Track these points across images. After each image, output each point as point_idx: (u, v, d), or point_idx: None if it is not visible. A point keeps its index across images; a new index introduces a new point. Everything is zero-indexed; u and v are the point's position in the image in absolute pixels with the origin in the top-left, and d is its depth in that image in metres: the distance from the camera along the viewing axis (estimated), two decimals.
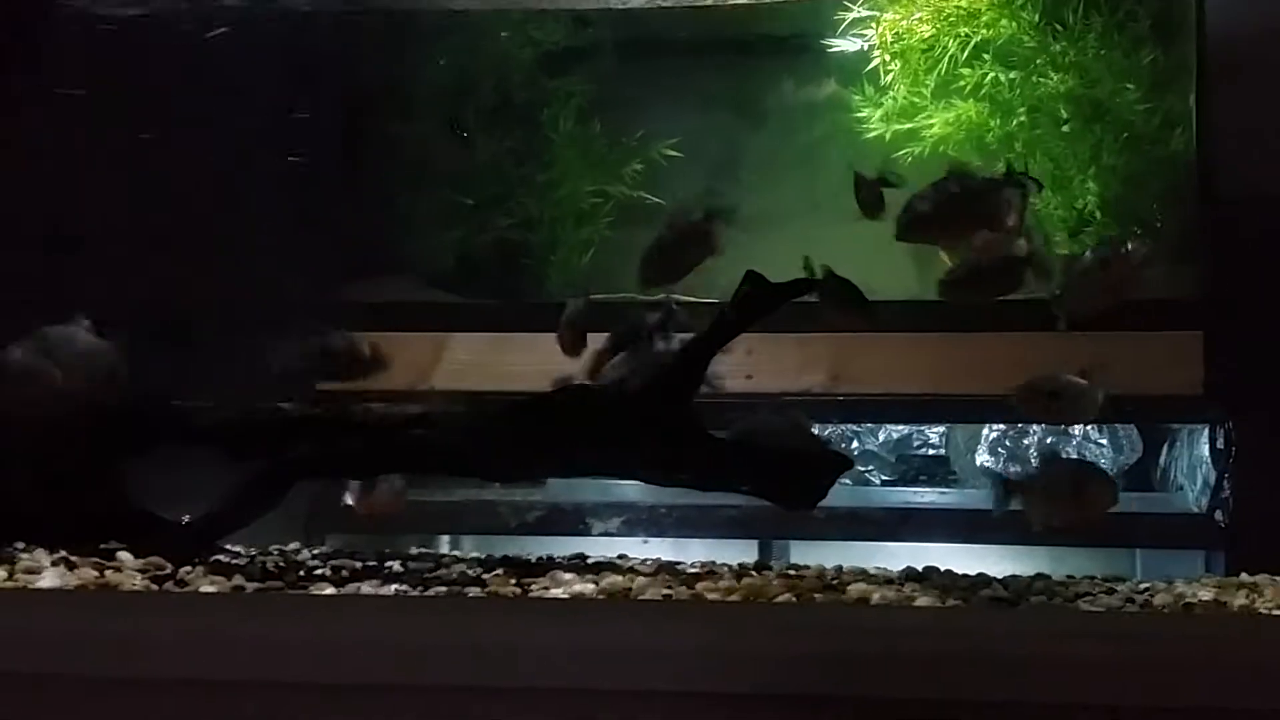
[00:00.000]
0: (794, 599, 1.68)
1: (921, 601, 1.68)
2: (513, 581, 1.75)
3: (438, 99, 3.14)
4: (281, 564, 1.89)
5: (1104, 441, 3.21)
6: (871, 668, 1.33)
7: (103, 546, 1.80)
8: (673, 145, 3.20)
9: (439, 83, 3.15)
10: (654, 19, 3.26)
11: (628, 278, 3.24)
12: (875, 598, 1.69)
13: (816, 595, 1.71)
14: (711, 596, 1.68)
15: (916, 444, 3.40)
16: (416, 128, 3.13)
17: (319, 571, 1.85)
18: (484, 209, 3.21)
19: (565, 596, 1.67)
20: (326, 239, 2.95)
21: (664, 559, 2.10)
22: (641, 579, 1.79)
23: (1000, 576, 1.96)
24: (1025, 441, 3.22)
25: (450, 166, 3.14)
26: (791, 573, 1.94)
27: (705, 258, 2.04)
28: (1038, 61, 2.99)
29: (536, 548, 2.38)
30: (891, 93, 3.10)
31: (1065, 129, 3.00)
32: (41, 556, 1.74)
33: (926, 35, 3.04)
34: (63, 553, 1.75)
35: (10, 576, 1.64)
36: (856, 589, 1.74)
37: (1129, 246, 1.97)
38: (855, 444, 3.33)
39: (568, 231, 3.26)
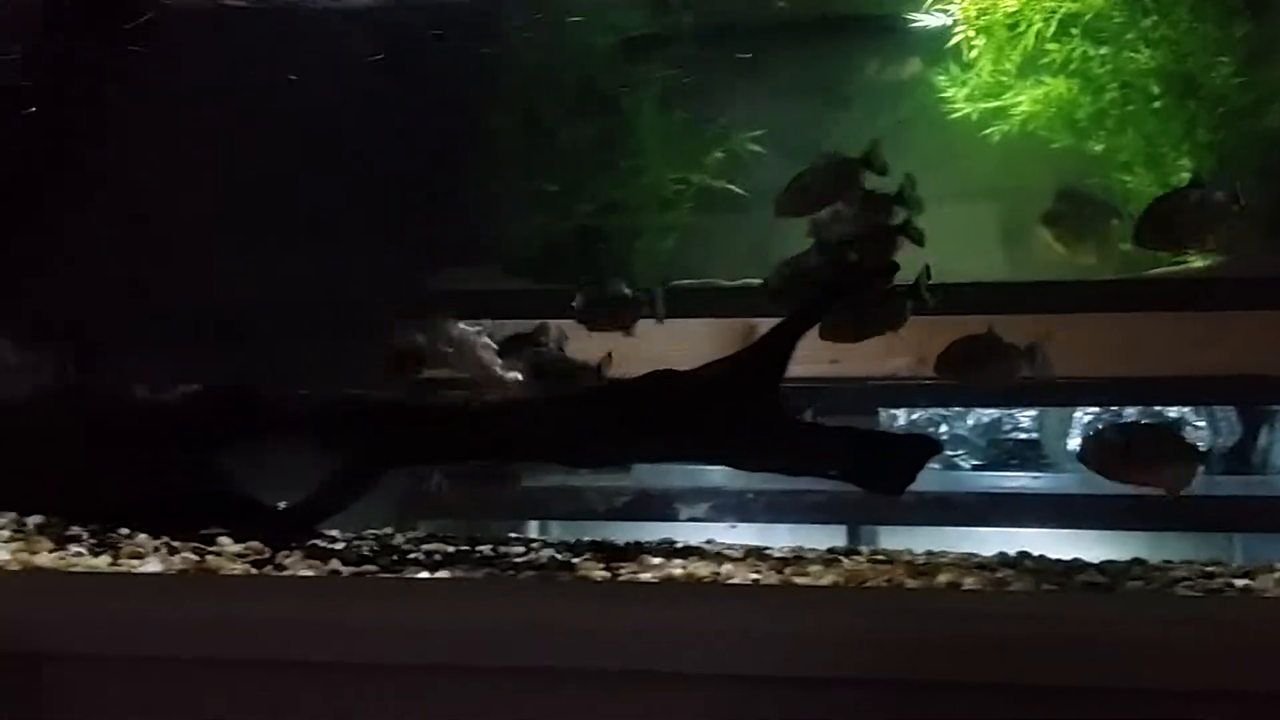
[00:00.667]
0: (883, 584, 1.67)
1: (1015, 587, 1.66)
2: (601, 566, 1.77)
3: (520, 87, 3.16)
4: (376, 548, 1.93)
5: (1202, 424, 3.14)
6: (963, 654, 1.32)
7: (203, 531, 1.85)
8: (755, 130, 3.19)
9: (521, 71, 3.17)
10: (735, 3, 3.25)
11: (710, 264, 3.26)
12: (967, 583, 1.67)
13: (907, 581, 1.70)
14: (800, 581, 1.68)
15: (1007, 428, 3.35)
16: (500, 117, 3.15)
17: (412, 556, 1.88)
18: (566, 196, 3.22)
19: (654, 580, 1.68)
20: (413, 229, 2.99)
21: (751, 544, 2.09)
22: (729, 564, 1.79)
23: (1096, 562, 1.92)
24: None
25: (532, 154, 3.16)
26: (881, 558, 1.93)
27: (839, 197, 2.07)
28: (1128, 36, 2.92)
29: (624, 533, 2.39)
30: (976, 70, 3.06)
31: (1157, 105, 2.94)
32: (144, 542, 1.79)
33: (1011, 10, 2.98)
34: (164, 538, 1.80)
35: (115, 561, 1.69)
36: (947, 574, 1.72)
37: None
38: (944, 428, 3.29)
39: (650, 218, 3.27)
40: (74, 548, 1.73)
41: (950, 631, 1.34)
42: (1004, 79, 3.03)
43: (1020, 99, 3.00)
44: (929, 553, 1.99)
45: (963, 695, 1.31)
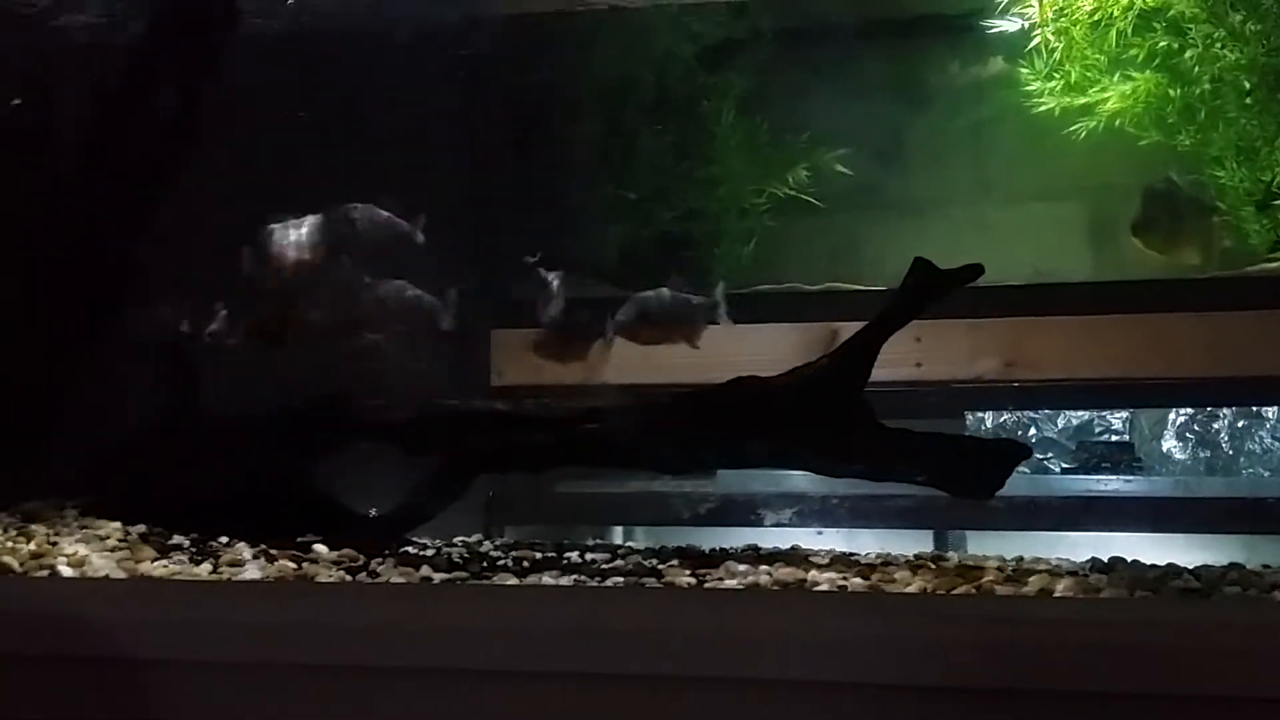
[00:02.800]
0: (973, 590, 1.66)
1: (1107, 594, 1.64)
2: (687, 572, 1.77)
3: (599, 96, 3.19)
4: (466, 555, 1.95)
5: None
6: (1056, 662, 1.31)
7: (299, 540, 1.89)
8: (835, 131, 3.19)
9: (600, 80, 3.20)
10: (813, 5, 3.25)
11: (790, 268, 3.26)
12: (1058, 589, 1.65)
13: (996, 587, 1.68)
14: (888, 588, 1.67)
15: (1098, 430, 3.30)
16: (579, 125, 3.18)
17: (501, 562, 1.91)
18: (646, 203, 3.25)
19: (740, 587, 1.69)
20: (495, 238, 3.03)
21: (837, 550, 2.09)
22: (816, 570, 1.79)
23: (1191, 567, 1.89)
24: (1215, 426, 3.09)
25: (613, 162, 3.19)
26: (969, 564, 1.91)
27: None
28: (1215, 34, 2.87)
29: (708, 539, 2.40)
30: (1061, 67, 3.02)
31: (1249, 100, 2.87)
32: (243, 550, 1.84)
33: (1090, 8, 2.94)
34: (262, 546, 1.85)
35: (215, 569, 1.74)
36: (1038, 580, 1.70)
37: None
38: (1033, 431, 3.26)
39: (730, 223, 3.28)
40: (176, 556, 1.78)
41: (1041, 639, 1.32)
42: (1089, 74, 2.99)
43: (1108, 94, 2.96)
44: (1019, 558, 1.97)
45: (1053, 704, 1.30)
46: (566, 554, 2.01)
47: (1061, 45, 2.99)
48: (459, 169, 2.89)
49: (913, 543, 2.50)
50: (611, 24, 3.13)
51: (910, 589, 1.67)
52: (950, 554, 2.15)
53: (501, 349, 2.92)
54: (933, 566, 1.85)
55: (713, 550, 2.08)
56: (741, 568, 1.78)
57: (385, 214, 2.38)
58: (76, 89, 2.22)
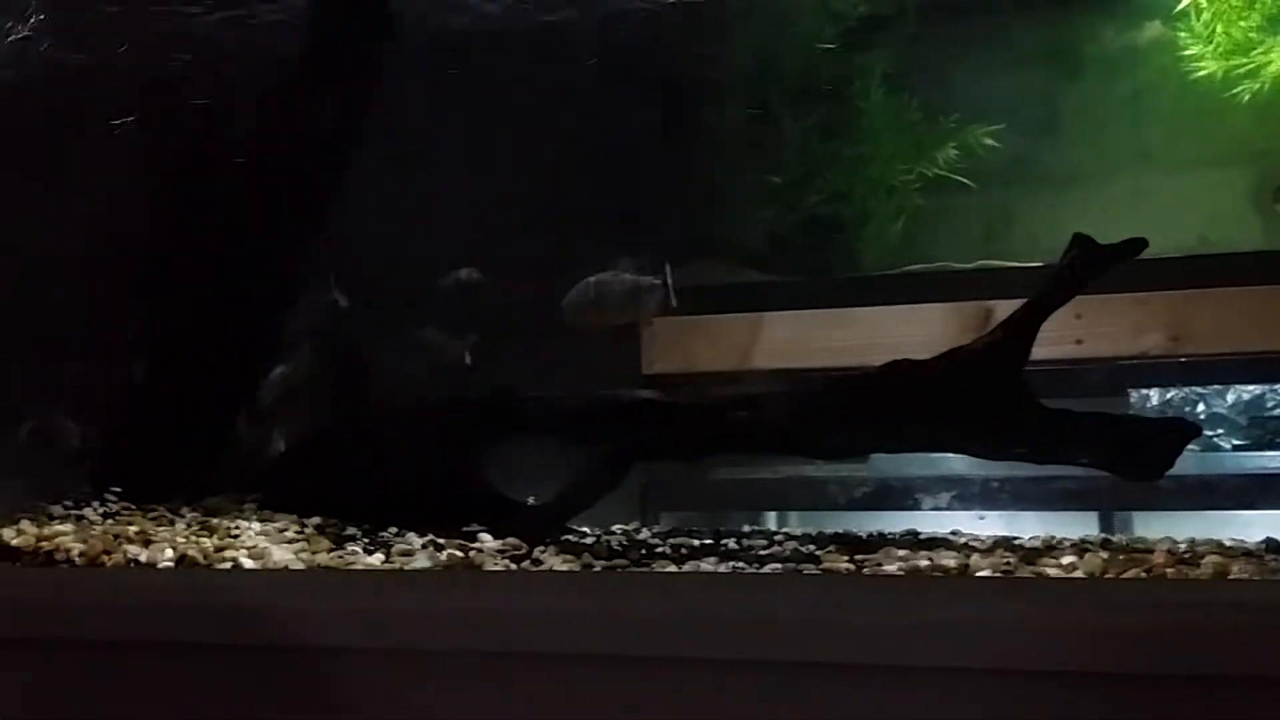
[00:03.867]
0: (1143, 574, 1.62)
1: None
2: (846, 558, 1.77)
3: (744, 80, 3.19)
4: (625, 543, 1.98)
5: None
6: (1234, 648, 1.27)
7: (465, 529, 1.95)
8: (987, 108, 3.12)
9: (743, 63, 3.19)
10: None
11: (941, 246, 3.20)
12: (1233, 571, 1.60)
13: (1167, 570, 1.64)
14: (1053, 573, 1.64)
15: (1271, 405, 3.16)
16: (725, 111, 3.18)
17: (659, 549, 1.93)
18: (794, 186, 3.23)
19: (900, 572, 1.68)
20: (644, 227, 3.06)
21: (997, 534, 2.06)
22: (978, 554, 1.77)
23: None
24: None
25: (760, 147, 3.18)
26: (1138, 547, 1.86)
27: None
28: None
29: (864, 523, 2.39)
30: (1221, 28, 2.90)
31: None
32: (413, 539, 1.90)
33: None
34: (430, 535, 1.91)
35: (387, 559, 1.80)
36: (1211, 562, 1.65)
37: None
38: (1201, 407, 3.14)
39: (879, 203, 3.24)
40: (350, 546, 1.85)
41: (1217, 624, 1.29)
42: (1251, 36, 2.87)
43: (1270, 57, 2.83)
44: (1190, 540, 1.91)
45: (1231, 691, 1.26)
46: (724, 540, 2.03)
47: (1210, 6, 2.87)
48: (607, 158, 2.93)
49: (1077, 525, 2.45)
50: (756, 8, 3.12)
51: (1077, 574, 1.63)
52: (1117, 536, 2.10)
53: (652, 337, 2.94)
54: (1100, 550, 1.81)
55: (870, 535, 2.07)
56: (901, 553, 1.77)
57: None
58: (242, 101, 2.33)
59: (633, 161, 2.99)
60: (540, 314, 2.74)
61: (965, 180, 3.13)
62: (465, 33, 2.68)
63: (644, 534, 2.13)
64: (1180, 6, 2.90)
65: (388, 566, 1.76)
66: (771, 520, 2.96)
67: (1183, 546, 1.84)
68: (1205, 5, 2.87)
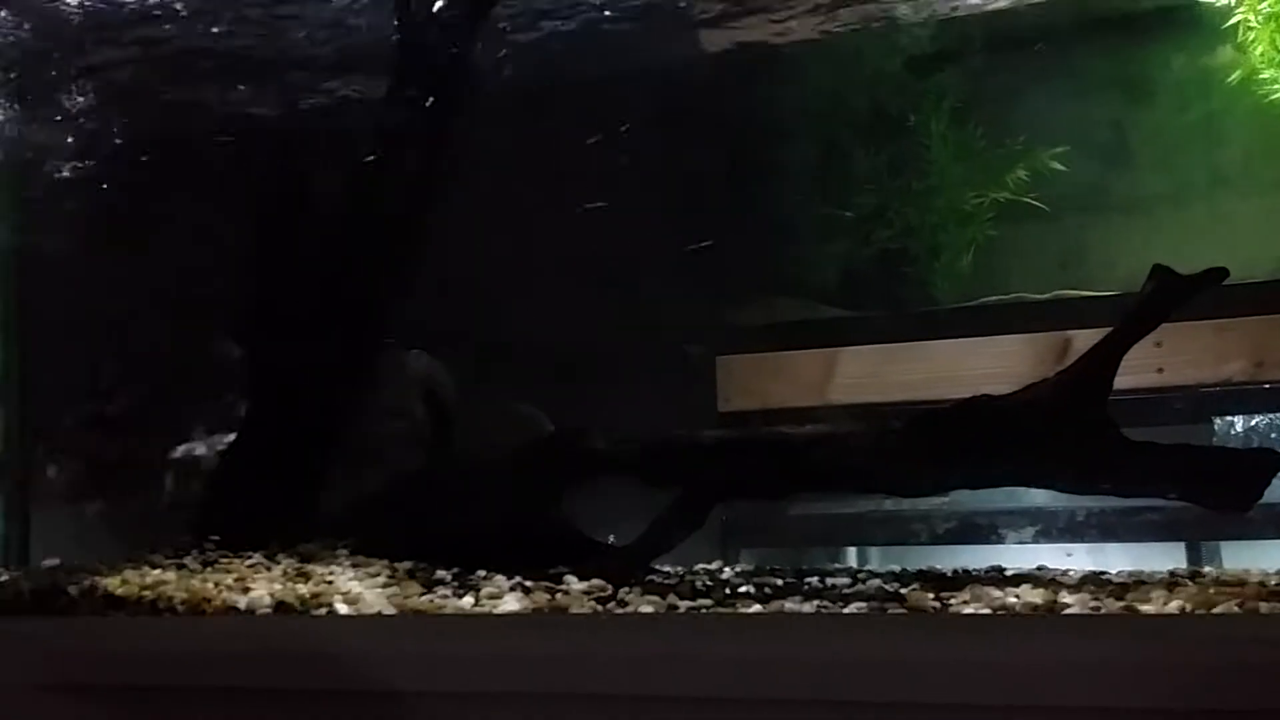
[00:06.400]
0: (1235, 608, 1.60)
1: None
2: (931, 595, 1.77)
3: (813, 120, 3.21)
4: (709, 582, 1.99)
5: None
6: None
7: (550, 570, 1.97)
8: (1057, 136, 3.12)
9: (812, 104, 3.22)
10: (1025, 9, 3.19)
11: (1015, 277, 3.19)
12: None
13: (1260, 604, 1.62)
14: (1144, 609, 1.63)
15: None
16: (795, 151, 3.21)
17: (743, 589, 1.94)
18: (864, 221, 3.25)
19: (989, 612, 1.67)
20: (716, 266, 3.09)
21: (1084, 567, 2.04)
22: (1066, 591, 1.76)
23: None
24: None
25: (830, 183, 3.20)
26: (1228, 579, 1.84)
27: None
28: None
29: (946, 558, 2.37)
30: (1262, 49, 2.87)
31: None
32: (501, 582, 1.93)
33: None
34: (517, 578, 1.94)
35: (476, 602, 1.83)
36: None
37: None
38: None
39: (951, 235, 3.24)
40: (440, 590, 1.89)
41: None
42: None
43: None
44: None
45: None
46: (807, 579, 2.03)
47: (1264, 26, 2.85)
48: (682, 201, 2.97)
49: (1163, 557, 2.42)
50: (821, 50, 3.15)
51: (1169, 609, 1.62)
52: (1206, 569, 2.07)
53: (727, 375, 2.97)
54: (1189, 583, 1.79)
55: (955, 572, 2.06)
56: (987, 590, 1.76)
57: None
58: (332, 157, 2.40)
59: (706, 201, 3.02)
60: (615, 356, 2.78)
61: (1038, 204, 3.12)
62: (539, 82, 2.75)
63: (726, 573, 2.14)
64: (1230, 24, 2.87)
65: (477, 610, 1.78)
66: (852, 555, 2.95)
67: (1275, 578, 1.81)
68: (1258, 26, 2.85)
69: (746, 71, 3.11)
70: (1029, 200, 3.13)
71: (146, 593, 1.91)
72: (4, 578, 2.14)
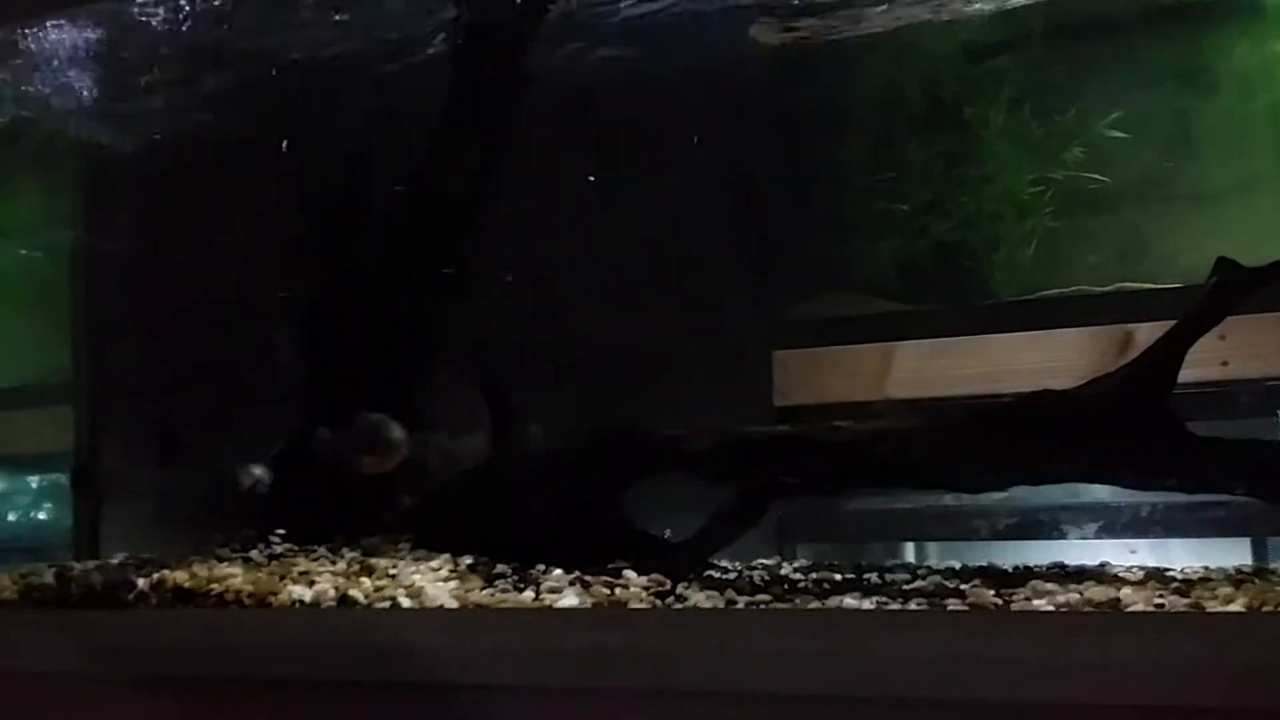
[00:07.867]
0: None
1: None
2: (991, 592, 1.76)
3: (867, 113, 3.19)
4: (766, 578, 2.00)
5: None
6: None
7: (609, 565, 1.99)
8: (1114, 122, 3.07)
9: (867, 97, 3.20)
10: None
11: (1076, 269, 3.15)
12: None
13: None
14: (1210, 605, 1.61)
15: None
16: (852, 145, 3.19)
17: (801, 584, 1.94)
18: (921, 214, 3.22)
19: (1051, 609, 1.66)
20: (772, 261, 3.08)
21: (1147, 563, 2.02)
22: (1129, 587, 1.74)
23: None
24: None
25: (887, 177, 3.18)
26: None
27: None
28: None
29: (1004, 554, 2.36)
30: None
31: None
32: (560, 576, 1.95)
33: None
34: (577, 573, 1.95)
35: (536, 597, 1.85)
36: None
37: None
38: None
39: (1009, 227, 3.21)
40: (500, 584, 1.91)
41: None
42: None
43: None
44: None
45: None
46: (865, 574, 2.03)
47: None
48: (738, 195, 2.97)
49: (1227, 553, 2.38)
50: (877, 45, 3.13)
51: (1235, 606, 1.60)
52: (1274, 565, 2.04)
53: (783, 370, 2.96)
54: (1256, 581, 1.77)
55: (1015, 568, 2.04)
56: (1049, 587, 1.75)
57: None
58: (389, 158, 2.43)
59: (761, 195, 3.02)
60: (672, 351, 2.78)
61: (1098, 177, 3.06)
62: (593, 77, 2.75)
63: (785, 569, 2.14)
64: None
65: (536, 604, 1.80)
66: (909, 551, 2.94)
67: None
68: None
69: (803, 65, 3.09)
70: (1089, 176, 3.08)
71: (214, 586, 1.95)
72: (76, 571, 2.18)
